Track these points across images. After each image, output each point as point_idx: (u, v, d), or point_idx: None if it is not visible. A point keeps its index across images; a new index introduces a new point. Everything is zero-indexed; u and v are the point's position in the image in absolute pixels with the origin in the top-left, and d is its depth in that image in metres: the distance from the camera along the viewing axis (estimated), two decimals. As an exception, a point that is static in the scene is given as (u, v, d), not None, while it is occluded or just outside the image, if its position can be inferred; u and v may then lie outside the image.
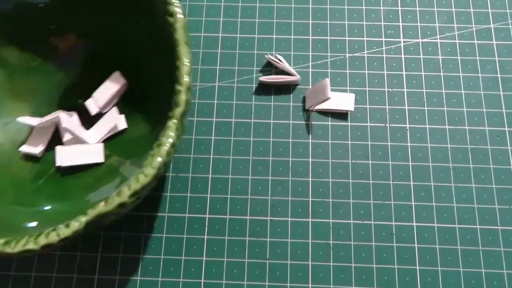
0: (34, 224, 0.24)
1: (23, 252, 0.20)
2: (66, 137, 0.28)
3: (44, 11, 0.28)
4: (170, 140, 0.21)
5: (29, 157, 0.28)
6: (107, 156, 0.28)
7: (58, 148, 0.28)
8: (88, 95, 0.29)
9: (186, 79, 0.22)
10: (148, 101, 0.28)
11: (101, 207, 0.20)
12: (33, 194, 0.26)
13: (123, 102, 0.29)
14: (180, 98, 0.21)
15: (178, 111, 0.21)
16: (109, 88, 0.28)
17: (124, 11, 0.28)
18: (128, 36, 0.28)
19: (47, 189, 0.26)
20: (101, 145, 0.28)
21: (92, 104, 0.29)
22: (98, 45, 0.29)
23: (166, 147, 0.21)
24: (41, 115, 0.29)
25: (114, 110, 0.29)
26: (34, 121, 0.28)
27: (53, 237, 0.20)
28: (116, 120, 0.28)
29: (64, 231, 0.20)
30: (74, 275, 0.28)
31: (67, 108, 0.30)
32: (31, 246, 0.20)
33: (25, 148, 0.28)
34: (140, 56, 0.28)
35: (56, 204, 0.26)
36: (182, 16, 0.23)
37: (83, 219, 0.20)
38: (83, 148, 0.27)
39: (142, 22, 0.27)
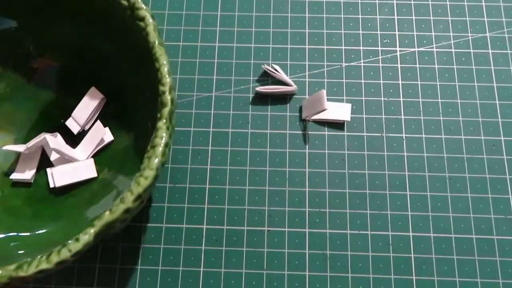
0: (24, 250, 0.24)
1: (38, 273, 0.20)
2: (54, 156, 0.28)
3: (14, 35, 0.28)
4: (163, 140, 0.21)
5: (20, 184, 0.28)
6: (98, 170, 0.28)
7: (50, 170, 0.28)
8: (69, 114, 0.29)
9: (167, 78, 0.22)
10: (129, 112, 0.28)
11: (108, 216, 0.20)
12: (30, 219, 0.26)
13: (105, 116, 0.29)
14: (165, 98, 0.22)
15: (165, 110, 0.22)
16: (88, 105, 0.28)
17: (94, 28, 0.28)
18: (102, 50, 0.29)
19: (44, 212, 0.27)
20: (91, 160, 0.28)
21: (73, 123, 0.29)
22: (72, 63, 0.29)
23: (160, 147, 0.21)
24: (25, 140, 0.29)
25: (98, 124, 0.29)
26: (20, 147, 0.28)
27: (65, 253, 0.20)
28: (101, 134, 0.28)
29: (75, 246, 0.20)
30: (72, 286, 0.28)
31: (50, 130, 0.30)
32: (44, 266, 0.20)
33: (16, 176, 0.28)
34: (117, 69, 0.29)
35: (55, 225, 0.26)
36: (151, 20, 0.23)
37: (92, 230, 0.20)
38: (74, 165, 0.27)
39: (114, 34, 0.27)
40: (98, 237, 0.20)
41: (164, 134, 0.21)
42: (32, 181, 0.28)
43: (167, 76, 0.22)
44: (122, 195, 0.21)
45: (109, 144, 0.29)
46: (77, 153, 0.28)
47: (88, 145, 0.28)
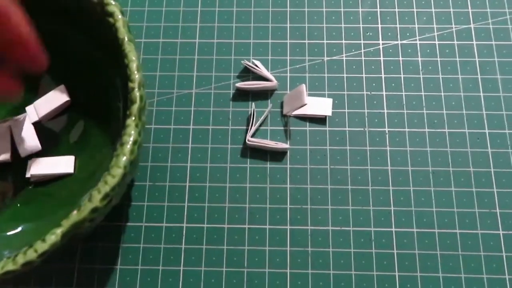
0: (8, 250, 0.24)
1: (4, 274, 0.20)
2: (19, 138, 0.28)
3: None
4: (131, 138, 0.21)
5: None
6: (76, 169, 0.28)
7: (30, 161, 0.27)
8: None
9: (136, 75, 0.22)
10: (107, 110, 0.28)
11: (75, 216, 0.20)
12: (8, 219, 0.26)
13: (85, 114, 0.29)
14: (134, 94, 0.21)
15: (134, 107, 0.21)
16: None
17: (68, 25, 0.27)
18: (77, 51, 0.28)
19: (22, 212, 0.26)
20: (72, 157, 0.28)
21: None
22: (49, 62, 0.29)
23: (128, 145, 0.21)
24: None
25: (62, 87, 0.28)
26: None
27: (31, 254, 0.20)
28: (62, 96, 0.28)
29: (41, 246, 0.20)
30: (51, 287, 0.28)
31: None
32: (10, 267, 0.20)
33: None
34: (92, 67, 0.28)
35: (30, 225, 0.26)
36: (121, 16, 0.23)
37: (59, 230, 0.20)
38: (54, 159, 0.27)
39: (89, 32, 0.27)
40: (66, 237, 0.20)
41: (132, 132, 0.21)
42: (11, 161, 0.28)
43: (135, 72, 0.22)
44: (89, 194, 0.20)
45: (88, 143, 0.29)
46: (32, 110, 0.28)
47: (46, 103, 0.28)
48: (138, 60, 0.22)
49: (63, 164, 0.27)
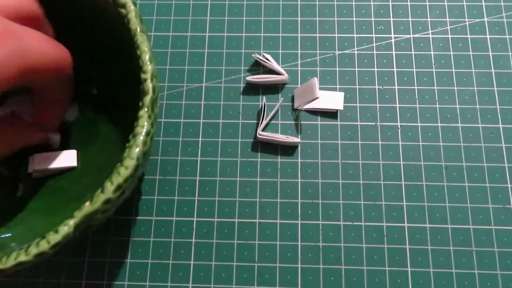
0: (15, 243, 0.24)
1: (16, 265, 0.19)
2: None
3: None
4: (144, 129, 0.21)
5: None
6: (88, 163, 0.27)
7: (31, 157, 0.27)
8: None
9: (149, 66, 0.22)
10: (117, 104, 0.28)
11: (88, 207, 0.20)
12: (17, 212, 0.26)
13: (93, 109, 0.29)
14: (147, 85, 0.21)
15: (147, 99, 0.21)
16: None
17: (78, 19, 0.27)
18: (88, 43, 0.28)
19: (32, 205, 0.26)
20: (74, 151, 0.27)
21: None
22: None
23: (141, 136, 0.21)
24: None
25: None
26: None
27: (43, 245, 0.20)
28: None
29: (54, 237, 0.20)
30: (61, 280, 0.28)
31: None
32: (23, 258, 0.20)
33: None
34: (103, 59, 0.28)
35: (43, 218, 0.26)
36: (133, 6, 0.22)
37: (71, 222, 0.20)
38: (57, 154, 0.27)
39: (99, 25, 0.27)
40: (79, 228, 0.20)
41: (145, 123, 0.21)
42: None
43: (148, 63, 0.22)
44: (102, 186, 0.20)
45: (98, 136, 0.28)
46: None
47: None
48: (150, 51, 0.22)
49: (65, 158, 0.27)
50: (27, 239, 0.24)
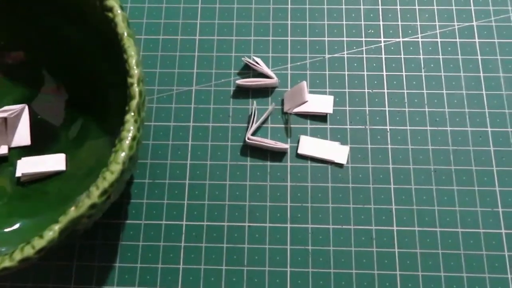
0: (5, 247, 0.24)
1: (1, 271, 0.19)
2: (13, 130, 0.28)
3: None
4: (130, 134, 0.21)
5: None
6: (74, 167, 0.27)
7: (20, 161, 0.27)
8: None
9: (135, 70, 0.22)
10: (106, 107, 0.28)
11: (72, 212, 0.20)
12: (6, 216, 0.26)
13: (82, 113, 0.29)
14: (133, 90, 0.21)
15: (133, 103, 0.21)
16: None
17: (67, 21, 0.27)
18: (78, 44, 0.28)
19: (19, 209, 0.26)
20: (63, 155, 0.27)
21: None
22: (45, 57, 0.29)
23: (127, 141, 0.21)
24: None
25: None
26: None
27: (28, 251, 0.20)
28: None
29: (38, 243, 0.20)
30: (50, 284, 0.28)
31: None
32: (7, 263, 0.19)
33: None
34: (92, 63, 0.28)
35: (30, 222, 0.26)
36: (120, 10, 0.22)
37: (56, 227, 0.20)
38: (45, 157, 0.27)
39: (88, 27, 0.27)
40: (64, 233, 0.20)
41: (131, 127, 0.21)
42: (8, 155, 0.28)
43: (135, 67, 0.22)
44: (88, 191, 0.20)
45: (86, 140, 0.28)
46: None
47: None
48: (137, 55, 0.22)
49: (54, 162, 0.27)
50: (15, 243, 0.24)
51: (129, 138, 0.21)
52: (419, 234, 0.28)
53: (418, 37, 0.32)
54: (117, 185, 0.21)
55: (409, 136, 0.30)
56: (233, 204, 0.29)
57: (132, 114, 0.21)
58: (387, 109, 0.31)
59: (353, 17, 0.33)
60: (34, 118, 0.29)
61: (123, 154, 0.20)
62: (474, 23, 0.32)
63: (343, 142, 0.30)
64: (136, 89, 0.21)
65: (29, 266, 0.28)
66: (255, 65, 0.31)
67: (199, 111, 0.31)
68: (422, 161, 0.29)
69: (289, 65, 0.32)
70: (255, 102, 0.30)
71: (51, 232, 0.20)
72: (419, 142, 0.30)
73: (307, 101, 0.29)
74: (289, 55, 0.32)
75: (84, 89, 0.29)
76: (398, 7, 0.33)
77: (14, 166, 0.28)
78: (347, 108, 0.31)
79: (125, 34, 0.22)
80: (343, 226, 0.28)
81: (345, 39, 0.32)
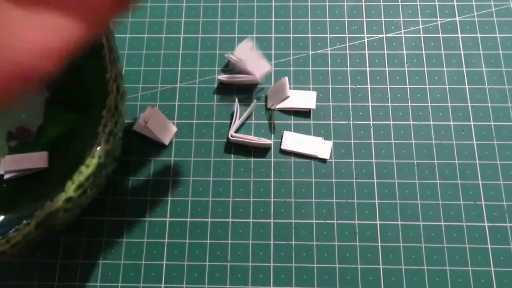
0: None
1: None
2: None
3: None
4: (107, 129, 0.21)
5: None
6: (56, 164, 0.27)
7: (3, 159, 0.27)
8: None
9: (112, 66, 0.22)
10: (88, 106, 0.28)
11: (48, 206, 0.20)
12: None
13: (66, 110, 0.29)
14: (110, 85, 0.21)
15: (110, 98, 0.21)
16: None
17: None
18: None
19: (1, 206, 0.26)
20: (45, 153, 0.27)
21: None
22: None
23: (104, 135, 0.21)
24: None
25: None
26: None
27: (3, 245, 0.20)
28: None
29: (14, 237, 0.20)
30: (34, 281, 0.28)
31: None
32: None
33: None
34: (74, 62, 0.28)
35: (12, 217, 0.26)
36: None
37: (33, 221, 0.20)
38: (27, 156, 0.27)
39: None
40: (40, 227, 0.20)
41: (108, 123, 0.21)
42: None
43: (112, 63, 0.22)
44: (63, 185, 0.20)
45: (70, 137, 0.29)
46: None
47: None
48: (116, 52, 0.22)
49: (36, 159, 0.27)
50: None
51: (106, 132, 0.21)
52: (402, 228, 0.28)
53: (401, 33, 0.32)
54: (94, 180, 0.21)
55: (392, 131, 0.30)
56: (217, 200, 0.29)
57: (109, 109, 0.21)
58: (370, 104, 0.31)
59: (337, 14, 0.33)
60: (15, 117, 0.29)
61: (99, 148, 0.21)
62: (457, 19, 0.33)
63: (327, 137, 0.30)
64: (113, 84, 0.21)
65: (6, 260, 0.28)
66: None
67: (183, 108, 0.31)
68: (405, 156, 0.29)
69: (273, 62, 0.32)
70: (237, 100, 0.31)
71: (27, 227, 0.20)
72: (402, 137, 0.30)
73: (289, 96, 0.29)
74: (273, 52, 0.32)
75: (67, 86, 0.29)
76: (382, 3, 0.33)
77: None
78: (331, 103, 0.31)
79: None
80: (326, 221, 0.28)
81: (328, 35, 0.33)
